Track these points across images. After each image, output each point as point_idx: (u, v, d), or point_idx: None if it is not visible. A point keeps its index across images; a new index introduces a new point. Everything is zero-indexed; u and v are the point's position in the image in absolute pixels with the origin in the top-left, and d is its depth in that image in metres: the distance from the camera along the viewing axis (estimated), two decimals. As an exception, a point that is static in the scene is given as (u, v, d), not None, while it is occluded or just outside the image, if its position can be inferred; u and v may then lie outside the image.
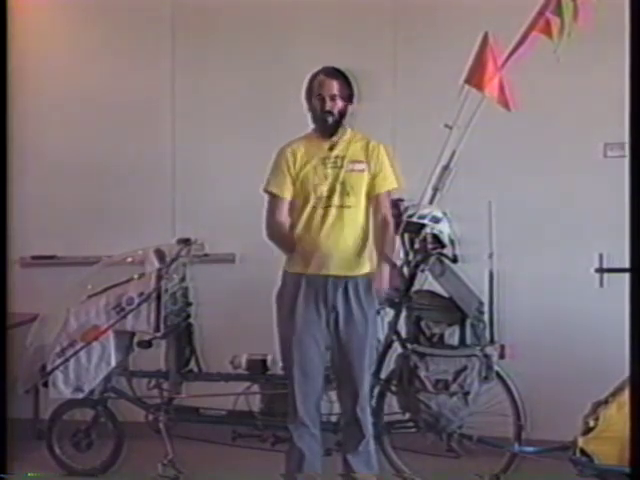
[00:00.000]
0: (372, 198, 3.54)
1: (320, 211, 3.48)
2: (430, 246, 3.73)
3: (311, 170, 3.52)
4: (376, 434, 3.76)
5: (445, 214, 3.76)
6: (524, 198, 4.23)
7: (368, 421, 3.55)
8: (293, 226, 3.56)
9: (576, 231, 4.21)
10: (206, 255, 4.24)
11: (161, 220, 4.64)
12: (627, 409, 2.79)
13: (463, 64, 3.73)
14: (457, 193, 3.85)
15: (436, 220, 3.73)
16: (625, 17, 2.72)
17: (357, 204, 3.49)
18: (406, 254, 3.76)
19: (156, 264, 3.95)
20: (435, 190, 3.80)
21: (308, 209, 3.50)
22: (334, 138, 3.54)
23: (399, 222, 3.73)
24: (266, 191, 3.57)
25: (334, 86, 3.49)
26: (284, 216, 3.57)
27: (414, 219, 3.72)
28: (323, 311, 3.48)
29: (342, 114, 3.52)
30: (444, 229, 3.74)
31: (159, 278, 3.91)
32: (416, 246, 3.74)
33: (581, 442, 3.32)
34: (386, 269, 3.44)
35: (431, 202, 3.79)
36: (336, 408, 3.71)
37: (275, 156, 3.59)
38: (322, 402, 3.69)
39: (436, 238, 3.73)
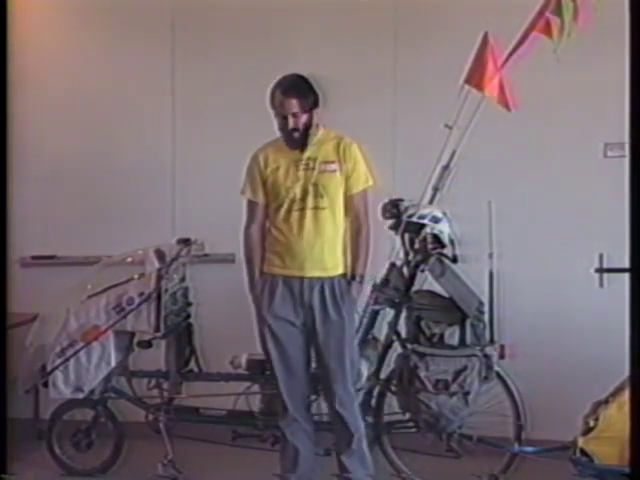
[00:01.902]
0: (346, 199, 3.56)
1: (295, 214, 3.52)
2: (430, 246, 3.72)
3: (283, 173, 3.56)
4: (376, 434, 3.78)
5: (445, 214, 3.76)
6: (524, 198, 4.23)
7: (356, 419, 3.56)
8: (269, 229, 3.62)
9: (576, 231, 4.21)
10: (206, 255, 4.24)
11: (161, 220, 4.64)
12: (627, 409, 2.79)
13: (463, 64, 3.73)
14: (457, 193, 3.85)
15: (436, 220, 3.72)
16: (625, 17, 2.71)
17: (331, 205, 3.52)
18: (406, 254, 3.76)
19: (156, 264, 3.95)
20: (435, 190, 3.80)
21: (282, 212, 3.55)
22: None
23: (399, 222, 3.74)
24: (243, 195, 3.68)
25: (293, 104, 3.49)
26: (259, 222, 3.64)
27: (414, 219, 3.71)
28: (300, 311, 3.53)
29: (307, 125, 3.53)
30: (444, 229, 3.74)
31: (159, 278, 3.91)
32: (416, 246, 3.73)
33: (581, 442, 3.32)
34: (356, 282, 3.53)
35: (431, 202, 3.79)
36: (336, 408, 3.73)
37: (248, 161, 3.66)
38: (322, 402, 3.71)
39: (436, 238, 3.73)
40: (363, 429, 3.59)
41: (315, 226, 3.50)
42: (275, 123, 3.57)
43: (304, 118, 3.51)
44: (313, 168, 3.52)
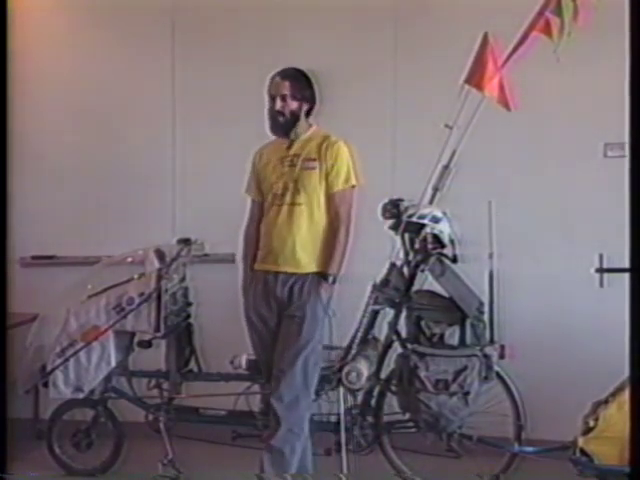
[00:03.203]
0: (327, 197, 3.59)
1: (274, 208, 3.61)
2: (430, 246, 3.72)
3: (270, 168, 3.66)
4: (376, 434, 3.78)
5: (445, 214, 3.76)
6: (524, 198, 4.23)
7: (290, 416, 3.49)
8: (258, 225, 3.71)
9: (576, 231, 4.21)
10: (206, 255, 4.24)
11: (161, 220, 4.65)
12: (627, 409, 2.79)
13: (463, 64, 3.73)
14: (457, 193, 3.85)
15: (436, 220, 3.72)
16: (625, 17, 2.72)
17: (308, 202, 3.56)
18: (406, 254, 3.76)
19: (156, 264, 3.95)
20: (435, 190, 3.79)
21: (266, 207, 3.65)
22: (292, 136, 3.62)
23: (399, 222, 3.74)
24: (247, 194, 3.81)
25: (285, 86, 3.57)
26: (256, 220, 3.73)
27: (414, 219, 3.71)
28: (274, 305, 3.59)
29: (295, 114, 3.59)
30: (444, 229, 3.74)
31: (159, 278, 3.91)
32: (416, 246, 3.73)
33: (581, 442, 3.32)
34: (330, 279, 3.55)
35: (431, 202, 3.78)
36: (336, 408, 3.72)
37: None
38: (322, 402, 3.71)
39: (436, 238, 3.73)
40: (302, 435, 3.52)
41: (289, 221, 3.56)
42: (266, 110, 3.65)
43: (292, 105, 3.57)
44: (295, 165, 3.59)
